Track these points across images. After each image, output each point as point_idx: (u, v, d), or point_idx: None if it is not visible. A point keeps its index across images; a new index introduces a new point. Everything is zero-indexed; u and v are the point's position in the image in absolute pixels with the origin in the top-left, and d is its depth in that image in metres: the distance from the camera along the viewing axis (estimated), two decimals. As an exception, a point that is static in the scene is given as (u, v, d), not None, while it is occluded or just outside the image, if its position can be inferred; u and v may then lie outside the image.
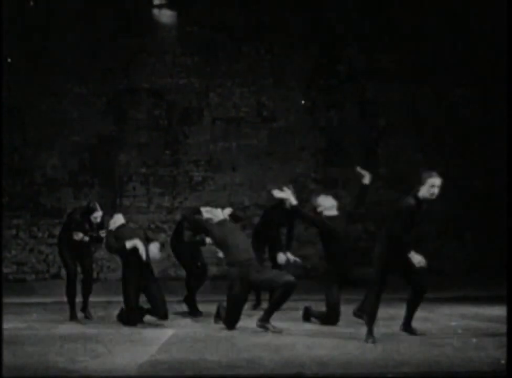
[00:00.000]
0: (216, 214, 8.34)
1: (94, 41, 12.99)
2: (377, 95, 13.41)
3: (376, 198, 13.10)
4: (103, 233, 9.22)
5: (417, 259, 6.76)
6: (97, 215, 9.33)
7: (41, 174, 13.01)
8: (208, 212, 8.31)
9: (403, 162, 13.13)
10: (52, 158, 13.05)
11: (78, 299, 9.16)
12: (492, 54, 12.47)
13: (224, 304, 8.08)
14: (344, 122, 13.39)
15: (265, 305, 8.83)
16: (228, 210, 8.60)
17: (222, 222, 8.26)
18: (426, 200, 6.94)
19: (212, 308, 8.54)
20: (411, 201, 6.90)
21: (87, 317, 9.19)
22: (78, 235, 9.18)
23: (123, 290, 8.36)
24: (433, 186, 6.90)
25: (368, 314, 7.02)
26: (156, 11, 13.18)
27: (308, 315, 8.53)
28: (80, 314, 9.13)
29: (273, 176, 13.04)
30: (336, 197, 8.43)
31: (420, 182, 6.93)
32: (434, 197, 6.92)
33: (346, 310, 8.47)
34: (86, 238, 9.25)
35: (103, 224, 9.49)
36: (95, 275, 12.80)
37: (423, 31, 13.17)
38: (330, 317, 8.18)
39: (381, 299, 6.94)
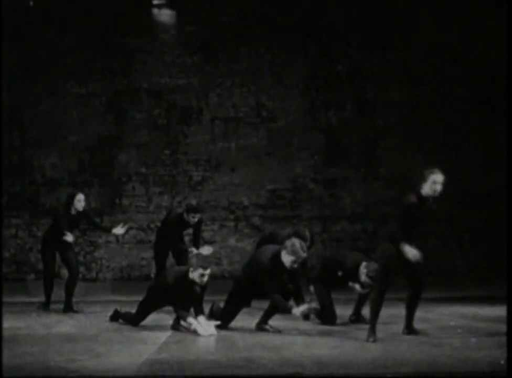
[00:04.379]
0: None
1: (94, 41, 12.99)
2: (377, 95, 13.41)
3: (376, 198, 13.12)
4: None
5: (411, 252, 6.72)
6: (80, 198, 9.53)
7: (40, 174, 13.01)
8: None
9: (403, 162, 13.11)
10: (52, 158, 13.05)
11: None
12: (492, 54, 12.47)
13: (219, 303, 8.08)
14: (344, 122, 13.39)
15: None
16: None
17: None
18: (429, 198, 6.90)
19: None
20: (413, 198, 6.86)
21: (75, 311, 9.61)
22: (69, 237, 9.41)
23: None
24: (435, 182, 6.84)
25: (371, 313, 7.00)
26: (155, 11, 13.19)
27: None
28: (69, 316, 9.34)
29: (272, 176, 13.06)
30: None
31: (422, 180, 6.89)
32: (436, 194, 6.87)
33: (345, 310, 8.47)
34: (70, 239, 9.42)
35: (88, 215, 9.86)
36: (94, 275, 12.96)
37: (422, 31, 13.17)
38: (326, 318, 8.18)
39: (384, 298, 6.93)
